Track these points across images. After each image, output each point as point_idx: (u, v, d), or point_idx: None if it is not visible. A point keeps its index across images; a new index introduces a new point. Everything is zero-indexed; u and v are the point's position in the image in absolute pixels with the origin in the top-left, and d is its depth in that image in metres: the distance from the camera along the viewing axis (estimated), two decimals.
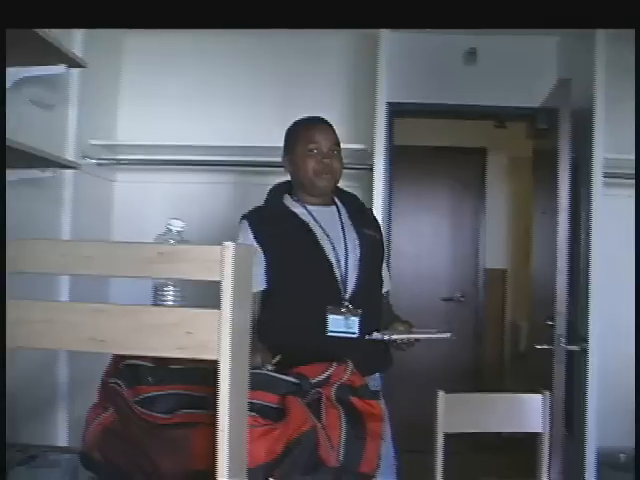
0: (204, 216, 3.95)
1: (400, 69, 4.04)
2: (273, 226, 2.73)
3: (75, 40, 3.45)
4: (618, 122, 3.84)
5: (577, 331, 3.59)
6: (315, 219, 2.74)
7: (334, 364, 2.16)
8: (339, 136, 2.80)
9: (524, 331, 5.63)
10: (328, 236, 2.70)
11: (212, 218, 3.98)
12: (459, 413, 3.29)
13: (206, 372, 1.81)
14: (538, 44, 4.32)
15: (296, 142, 2.78)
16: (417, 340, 2.69)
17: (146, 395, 1.90)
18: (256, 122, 4.16)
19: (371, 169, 3.67)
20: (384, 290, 2.90)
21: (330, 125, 2.80)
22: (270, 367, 2.20)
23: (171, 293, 1.63)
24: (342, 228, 2.75)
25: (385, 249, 2.96)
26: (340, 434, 2.05)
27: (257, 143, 3.87)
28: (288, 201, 2.81)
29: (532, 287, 4.32)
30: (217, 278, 1.35)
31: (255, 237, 2.69)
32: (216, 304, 1.35)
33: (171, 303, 1.63)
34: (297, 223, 2.73)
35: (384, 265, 2.92)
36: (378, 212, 3.54)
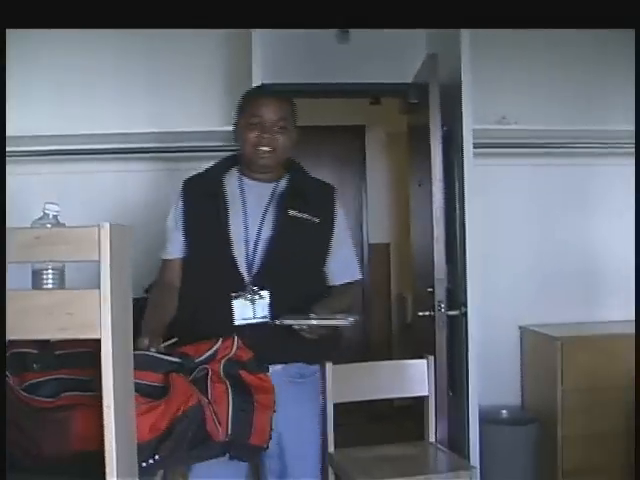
0: (87, 208, 3.88)
1: (274, 50, 4.05)
2: (198, 196, 2.65)
3: None
4: (486, 93, 4.00)
5: (456, 297, 3.72)
6: (243, 195, 2.64)
7: (220, 340, 2.20)
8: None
9: (409, 302, 5.76)
10: (245, 214, 2.59)
11: (96, 209, 3.91)
12: (348, 383, 3.39)
13: (91, 355, 1.83)
14: None
15: (240, 113, 2.69)
16: (320, 326, 2.44)
17: (32, 382, 1.91)
18: (128, 108, 4.09)
19: None
20: (340, 281, 2.75)
21: (279, 98, 2.70)
22: (154, 350, 2.14)
23: (50, 276, 1.63)
24: (266, 207, 2.62)
25: (343, 236, 2.77)
26: (227, 408, 2.08)
27: (132, 129, 3.81)
28: (229, 172, 2.72)
29: (413, 258, 4.44)
30: (95, 258, 1.37)
31: (183, 205, 2.65)
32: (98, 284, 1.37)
33: (51, 286, 1.63)
34: (217, 197, 2.62)
35: (340, 252, 2.73)
36: None
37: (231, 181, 2.69)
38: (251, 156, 2.63)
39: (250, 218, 2.59)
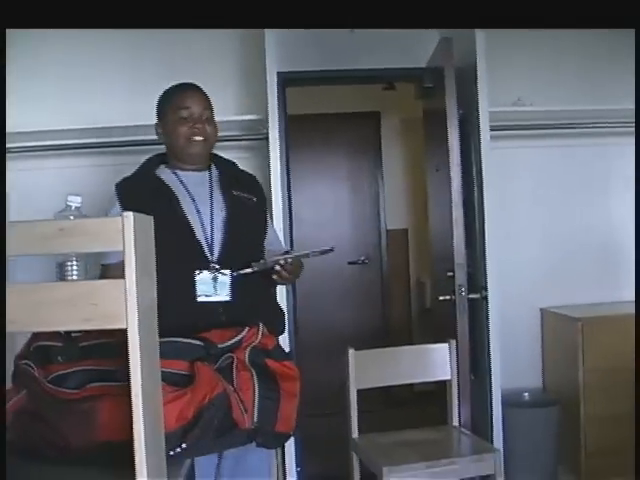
0: (101, 199, 3.89)
1: (289, 38, 4.05)
2: (138, 194, 2.68)
3: None
4: (501, 75, 3.99)
5: (476, 280, 3.72)
6: (183, 184, 2.72)
7: (245, 328, 2.21)
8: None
9: (428, 287, 5.76)
10: (194, 200, 2.68)
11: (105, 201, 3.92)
12: (370, 369, 3.40)
13: (115, 346, 1.84)
14: None
15: (167, 109, 2.76)
16: (291, 262, 2.61)
17: (57, 373, 1.92)
18: (145, 99, 4.10)
19: (266, 139, 3.69)
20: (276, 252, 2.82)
21: (201, 90, 2.80)
22: None
23: (75, 268, 1.64)
24: (210, 191, 2.73)
25: (269, 213, 2.99)
26: (253, 396, 2.10)
27: (148, 122, 3.82)
28: (160, 169, 2.79)
29: (431, 243, 4.44)
30: (119, 248, 1.38)
31: (121, 204, 2.67)
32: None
33: (75, 278, 1.64)
34: (161, 189, 2.70)
35: (270, 228, 2.93)
36: (276, 181, 3.57)
37: (166, 176, 2.76)
38: (185, 147, 2.72)
39: (199, 203, 2.68)
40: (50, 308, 1.41)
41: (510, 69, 4.27)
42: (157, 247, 2.56)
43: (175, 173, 2.75)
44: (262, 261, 2.58)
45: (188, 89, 2.79)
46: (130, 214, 1.37)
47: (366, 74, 4.44)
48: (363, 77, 4.56)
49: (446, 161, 3.65)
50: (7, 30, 3.95)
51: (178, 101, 2.73)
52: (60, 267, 1.65)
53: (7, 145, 3.94)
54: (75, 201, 1.73)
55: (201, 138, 2.71)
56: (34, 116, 4.00)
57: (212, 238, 2.63)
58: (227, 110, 3.94)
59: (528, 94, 4.25)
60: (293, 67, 4.12)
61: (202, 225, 2.64)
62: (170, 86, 2.82)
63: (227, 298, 2.55)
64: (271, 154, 3.59)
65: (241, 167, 3.02)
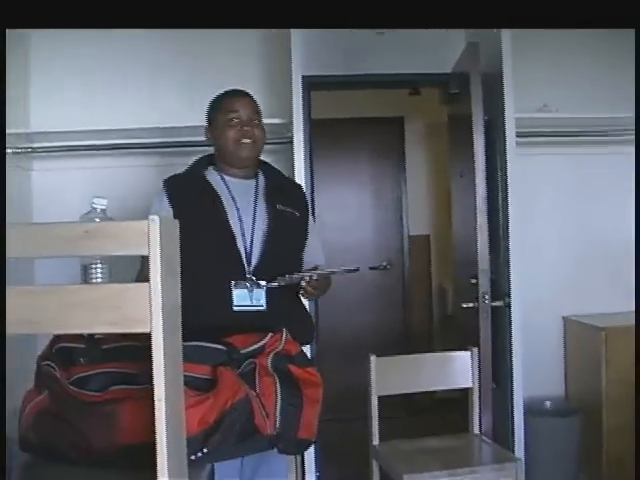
0: (125, 201, 3.91)
1: (314, 42, 4.05)
2: (186, 193, 2.75)
3: None
4: (526, 82, 3.96)
5: (499, 287, 3.69)
6: (229, 190, 2.77)
7: (269, 334, 2.20)
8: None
9: (450, 293, 5.74)
10: (238, 209, 2.72)
11: (134, 202, 3.94)
12: (391, 375, 3.38)
13: (138, 349, 1.84)
14: None
15: (217, 112, 2.82)
16: (317, 279, 2.62)
17: (79, 375, 1.92)
18: (171, 102, 4.13)
19: (291, 142, 3.69)
20: (309, 265, 2.84)
21: (250, 95, 2.86)
22: None
23: (99, 270, 1.64)
24: (255, 202, 2.77)
25: (313, 226, 2.97)
26: (275, 402, 2.09)
27: (175, 124, 3.85)
28: (208, 171, 2.84)
29: (454, 249, 4.41)
30: (145, 252, 1.37)
31: (169, 201, 2.71)
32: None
33: (100, 280, 1.64)
34: (209, 193, 2.75)
35: (311, 241, 2.92)
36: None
37: (214, 179, 2.81)
38: (234, 151, 2.77)
39: (242, 212, 2.73)
40: (75, 310, 1.40)
41: (536, 75, 4.24)
42: (198, 247, 2.59)
43: (222, 177, 2.81)
44: (287, 276, 2.59)
45: (237, 94, 2.86)
46: (156, 217, 1.37)
47: (392, 79, 4.43)
48: (389, 82, 4.54)
49: (471, 167, 3.63)
50: (32, 31, 4.03)
51: (227, 105, 2.80)
52: (85, 269, 1.65)
53: (32, 145, 3.98)
54: (100, 203, 1.73)
55: (249, 140, 2.76)
56: (59, 116, 4.03)
57: (251, 249, 2.68)
58: None
59: (554, 100, 4.21)
60: (318, 71, 4.12)
61: (243, 235, 2.69)
62: (221, 92, 2.89)
63: (262, 307, 2.61)
64: (295, 158, 3.59)
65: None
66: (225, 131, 2.77)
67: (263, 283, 2.60)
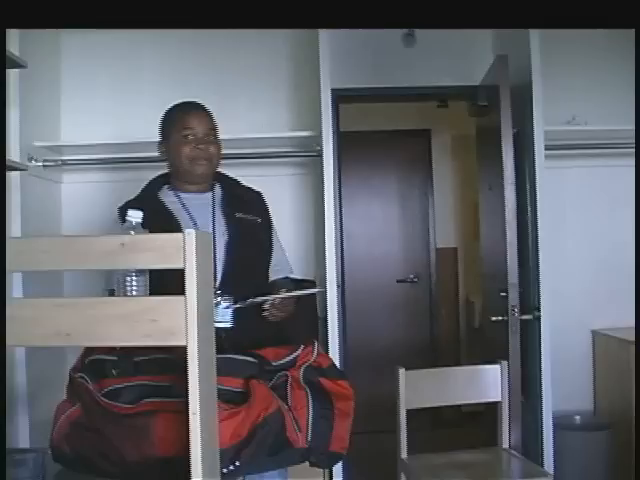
0: None
1: (342, 55, 4.06)
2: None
3: (12, 40, 3.42)
4: (554, 94, 3.95)
5: (527, 301, 3.67)
6: (185, 206, 2.67)
7: (300, 346, 2.20)
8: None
9: (477, 306, 5.71)
10: (195, 223, 2.61)
11: None
12: (420, 389, 3.36)
13: (169, 362, 1.85)
14: None
15: (170, 128, 2.70)
16: (283, 299, 2.50)
17: (111, 388, 1.93)
18: None
19: (319, 156, 3.70)
20: (277, 275, 2.79)
21: (205, 109, 2.74)
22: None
23: (135, 283, 1.65)
24: (213, 214, 2.66)
25: (276, 233, 2.85)
26: (307, 415, 2.09)
27: None
28: (162, 191, 2.74)
29: (482, 262, 4.39)
30: (180, 266, 1.38)
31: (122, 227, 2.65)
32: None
33: (135, 293, 1.65)
34: (162, 213, 2.63)
35: (277, 248, 2.82)
36: (329, 197, 3.58)
37: (168, 198, 2.71)
38: (188, 168, 2.65)
39: (201, 227, 2.59)
40: (110, 323, 1.41)
41: (564, 87, 4.22)
42: (155, 272, 2.58)
43: (177, 195, 2.70)
44: (249, 301, 2.45)
45: (192, 109, 2.73)
46: (192, 231, 1.38)
47: (420, 92, 4.43)
48: (417, 95, 4.55)
49: (500, 180, 3.61)
50: (63, 45, 4.08)
51: (182, 121, 2.67)
52: (120, 282, 1.66)
53: (61, 157, 4.01)
54: (136, 216, 1.74)
55: (205, 159, 2.65)
56: (90, 130, 4.07)
57: (214, 263, 2.52)
58: (281, 126, 3.97)
59: (583, 112, 4.19)
60: (346, 84, 4.13)
61: None
62: (173, 105, 2.78)
63: (229, 325, 2.44)
64: (324, 171, 3.59)
65: (245, 184, 2.91)
66: (179, 148, 2.65)
67: (223, 305, 2.42)
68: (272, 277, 2.76)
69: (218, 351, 2.15)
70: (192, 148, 2.63)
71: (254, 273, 2.68)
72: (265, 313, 2.49)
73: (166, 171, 2.81)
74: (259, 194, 2.88)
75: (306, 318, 2.97)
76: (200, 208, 2.67)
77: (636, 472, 2.53)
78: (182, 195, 2.69)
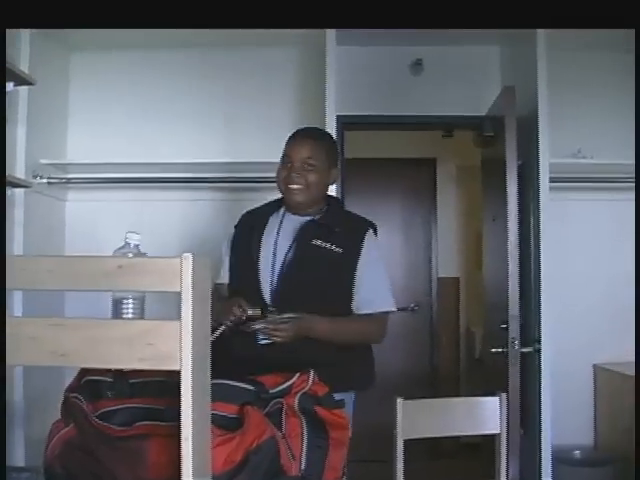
0: (156, 235, 3.93)
1: (348, 82, 4.08)
2: (246, 227, 2.84)
3: (21, 57, 3.44)
4: (560, 127, 3.95)
5: (528, 333, 3.66)
6: (280, 226, 2.80)
7: (296, 374, 2.18)
8: None
9: (478, 337, 5.69)
10: (276, 243, 2.75)
11: (165, 236, 3.96)
12: (418, 419, 3.32)
13: (165, 385, 1.83)
14: (482, 53, 4.42)
15: (284, 150, 2.82)
16: (279, 323, 2.53)
17: (105, 409, 1.91)
18: (205, 138, 4.17)
19: None
20: (361, 311, 2.78)
21: (314, 138, 2.82)
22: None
23: (131, 306, 1.64)
24: (295, 237, 2.75)
25: (367, 269, 2.77)
26: (302, 443, 2.06)
27: (207, 159, 3.88)
28: (276, 209, 2.88)
29: (484, 293, 4.38)
30: (177, 289, 1.37)
31: (235, 233, 2.88)
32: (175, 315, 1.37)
33: (131, 316, 1.64)
34: (256, 228, 2.80)
35: (362, 284, 2.77)
36: None
37: (276, 216, 2.86)
38: (284, 193, 2.79)
39: (279, 247, 2.74)
40: (106, 345, 1.40)
41: (570, 120, 4.23)
42: (232, 281, 2.80)
43: (284, 215, 2.84)
44: (251, 326, 2.53)
45: (298, 136, 2.83)
46: (189, 255, 1.36)
47: (426, 120, 4.45)
48: (423, 123, 4.56)
49: (503, 211, 3.61)
50: (71, 61, 4.09)
51: (286, 148, 2.80)
52: (116, 304, 1.65)
53: (69, 175, 4.02)
54: (134, 238, 1.73)
55: (296, 186, 2.73)
56: (96, 149, 4.08)
57: (274, 280, 2.69)
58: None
59: (588, 146, 4.20)
60: (352, 111, 4.14)
61: (272, 268, 2.70)
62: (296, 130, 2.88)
63: (266, 341, 2.57)
64: None
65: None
66: (279, 173, 2.79)
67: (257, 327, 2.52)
68: (358, 309, 2.80)
69: (255, 367, 2.21)
70: (286, 175, 2.75)
71: (315, 297, 2.69)
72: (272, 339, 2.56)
73: None
74: (362, 225, 2.90)
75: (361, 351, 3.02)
76: (289, 230, 2.79)
77: (636, 471, 2.51)
78: (287, 215, 2.84)
